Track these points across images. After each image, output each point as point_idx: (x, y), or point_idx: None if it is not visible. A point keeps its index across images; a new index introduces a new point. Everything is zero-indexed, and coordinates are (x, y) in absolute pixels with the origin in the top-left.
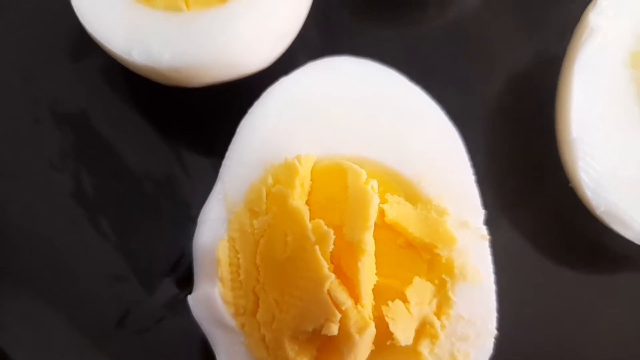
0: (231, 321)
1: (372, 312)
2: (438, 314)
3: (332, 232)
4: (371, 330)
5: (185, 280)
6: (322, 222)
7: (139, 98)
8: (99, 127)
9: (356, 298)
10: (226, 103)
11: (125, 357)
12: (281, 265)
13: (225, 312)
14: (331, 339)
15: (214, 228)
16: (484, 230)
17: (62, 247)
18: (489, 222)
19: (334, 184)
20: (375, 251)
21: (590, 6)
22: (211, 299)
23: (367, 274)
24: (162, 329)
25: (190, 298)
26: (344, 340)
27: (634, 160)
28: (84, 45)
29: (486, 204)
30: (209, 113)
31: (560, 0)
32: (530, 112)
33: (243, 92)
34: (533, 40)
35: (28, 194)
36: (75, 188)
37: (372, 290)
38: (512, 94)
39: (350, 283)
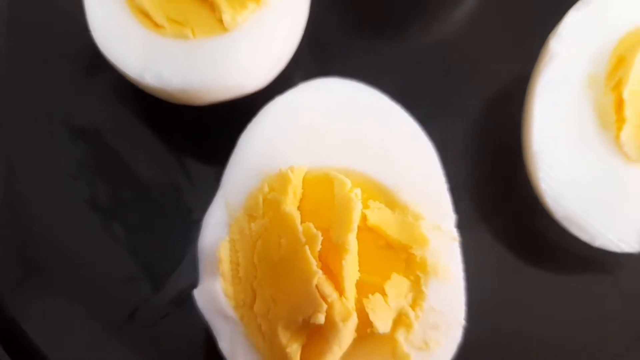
0: (232, 313)
1: (355, 304)
2: (413, 306)
3: (320, 234)
4: (354, 320)
5: (190, 278)
6: (311, 225)
7: (148, 114)
8: (112, 139)
9: (341, 291)
10: (227, 119)
11: (135, 347)
12: (276, 264)
13: (227, 305)
14: (319, 327)
15: (217, 230)
16: (454, 233)
17: (81, 250)
18: (461, 225)
19: (323, 192)
20: (358, 251)
21: (552, 33)
22: (214, 293)
23: (351, 271)
24: (169, 322)
25: (195, 292)
26: (329, 328)
27: (589, 172)
28: (98, 65)
29: (460, 209)
30: (212, 128)
31: (535, 24)
32: (502, 128)
33: (243, 109)
34: (509, 61)
35: (48, 202)
36: (90, 196)
37: (355, 285)
38: (487, 111)
39: (335, 279)
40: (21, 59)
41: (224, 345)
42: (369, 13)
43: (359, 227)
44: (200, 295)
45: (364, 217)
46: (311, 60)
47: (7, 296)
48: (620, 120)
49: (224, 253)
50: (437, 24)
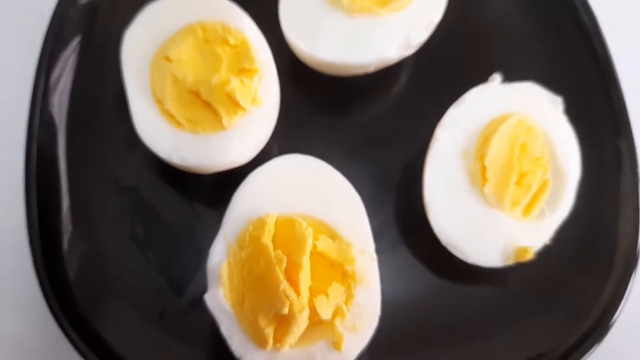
0: (229, 309)
1: (307, 302)
2: (346, 302)
3: (285, 257)
4: (306, 311)
5: (201, 288)
6: (280, 252)
7: (172, 177)
8: (147, 194)
9: (298, 293)
10: (226, 182)
11: (166, 334)
12: (257, 277)
13: (226, 304)
14: (284, 316)
15: (219, 256)
16: (374, 255)
17: (127, 270)
18: (383, 249)
19: (287, 230)
20: (310, 267)
21: (439, 123)
22: (218, 297)
23: (305, 281)
24: (187, 317)
25: (205, 296)
26: (291, 317)
27: (463, 214)
28: (139, 146)
29: (383, 239)
30: (215, 188)
31: (438, 112)
32: (412, 184)
33: (236, 175)
34: (420, 136)
35: (105, 237)
36: (131, 233)
37: (308, 289)
38: (403, 172)
39: (295, 285)
40: (89, 140)
41: (224, 330)
42: (322, 100)
43: (311, 252)
44: (208, 298)
45: (314, 246)
46: (282, 140)
47: (84, 303)
48: (484, 180)
49: (224, 271)
50: (372, 107)
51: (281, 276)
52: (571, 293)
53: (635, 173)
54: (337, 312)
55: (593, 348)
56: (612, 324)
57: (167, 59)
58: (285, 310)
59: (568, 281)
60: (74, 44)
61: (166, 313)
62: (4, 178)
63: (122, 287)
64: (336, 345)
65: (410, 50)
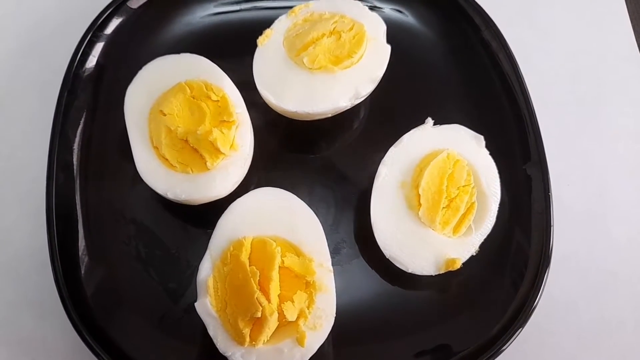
0: (215, 314)
1: (277, 307)
2: (307, 306)
3: (258, 272)
4: (275, 315)
5: (192, 296)
6: (254, 267)
7: (168, 209)
8: (148, 223)
9: (269, 300)
10: (211, 211)
11: (165, 335)
12: (236, 287)
13: (212, 310)
14: (258, 319)
15: (206, 271)
16: (330, 268)
17: (132, 284)
18: (340, 262)
19: (261, 249)
20: (279, 279)
21: (382, 160)
22: (206, 304)
23: (275, 290)
24: (182, 321)
25: (196, 304)
26: (263, 319)
27: (402, 232)
28: (141, 184)
29: (341, 253)
30: (203, 216)
31: (388, 143)
32: (363, 208)
33: (219, 206)
34: (369, 169)
35: (114, 258)
36: (136, 254)
37: (277, 296)
38: (358, 198)
39: (266, 294)
40: (99, 179)
41: (210, 331)
42: (289, 142)
43: (279, 267)
44: (198, 305)
45: (282, 262)
46: (257, 175)
47: (98, 312)
48: (419, 205)
49: (210, 283)
50: (329, 147)
51: (255, 287)
52: (493, 294)
53: (548, 197)
54: (301, 314)
55: (514, 337)
56: (528, 318)
57: (162, 112)
58: (259, 314)
59: (490, 284)
60: (85, 97)
61: (165, 318)
62: (30, 209)
63: (129, 297)
64: (300, 341)
65: (359, 100)
